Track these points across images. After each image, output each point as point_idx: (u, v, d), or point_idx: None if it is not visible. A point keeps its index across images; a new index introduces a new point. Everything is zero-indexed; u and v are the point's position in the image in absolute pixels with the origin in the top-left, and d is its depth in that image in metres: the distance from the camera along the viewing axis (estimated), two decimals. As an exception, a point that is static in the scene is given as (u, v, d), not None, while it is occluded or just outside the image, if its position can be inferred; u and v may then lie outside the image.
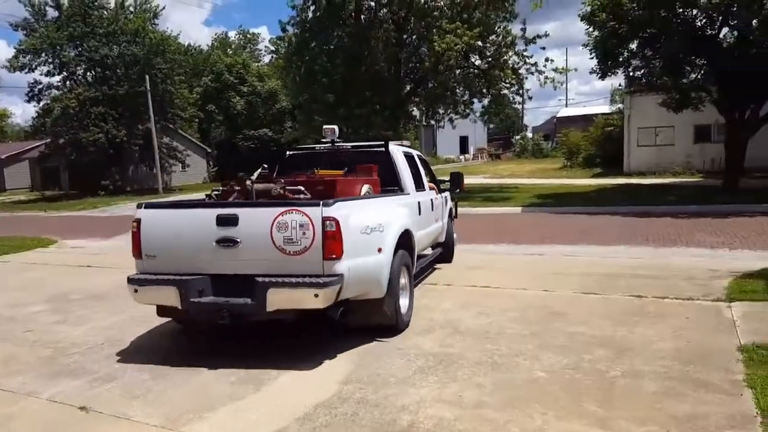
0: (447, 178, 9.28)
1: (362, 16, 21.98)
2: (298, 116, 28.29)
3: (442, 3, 21.23)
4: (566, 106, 58.88)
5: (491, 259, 9.39)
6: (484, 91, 22.89)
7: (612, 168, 28.24)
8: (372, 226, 4.93)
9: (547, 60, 21.83)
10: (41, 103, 35.87)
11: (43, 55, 33.83)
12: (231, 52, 55.27)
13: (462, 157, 58.77)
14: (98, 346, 5.46)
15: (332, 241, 4.45)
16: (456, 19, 19.76)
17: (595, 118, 35.93)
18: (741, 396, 3.76)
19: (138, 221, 5.09)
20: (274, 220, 4.51)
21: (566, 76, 34.34)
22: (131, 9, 36.17)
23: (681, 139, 25.83)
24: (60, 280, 9.15)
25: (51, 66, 34.54)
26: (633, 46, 16.21)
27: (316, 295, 4.39)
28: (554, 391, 3.95)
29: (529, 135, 58.26)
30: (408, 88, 23.67)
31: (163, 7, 38.55)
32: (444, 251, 8.48)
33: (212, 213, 4.75)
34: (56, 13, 34.57)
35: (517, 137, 55.65)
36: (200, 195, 27.39)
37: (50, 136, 35.86)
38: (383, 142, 6.93)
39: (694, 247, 9.76)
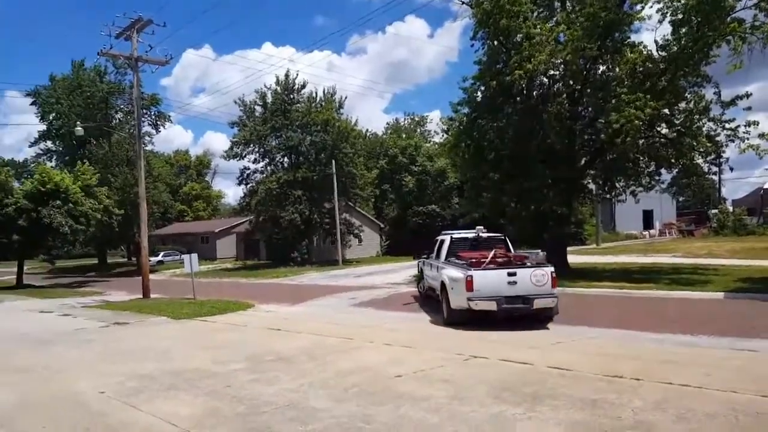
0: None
1: (534, 92, 22.00)
2: (465, 192, 28.81)
3: (621, 73, 20.28)
4: (775, 175, 51.05)
5: (690, 354, 8.22)
6: (673, 161, 20.92)
7: None
8: None
9: (749, 124, 19.10)
10: (248, 186, 41.94)
11: (251, 145, 40.01)
12: (404, 135, 59.20)
13: (646, 232, 53.73)
14: (284, 407, 5.89)
15: (554, 280, 11.32)
16: (637, 90, 18.69)
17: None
18: None
19: (471, 276, 11.23)
20: (532, 273, 11.26)
21: (775, 143, 30.00)
22: (321, 103, 41.31)
23: None
24: (255, 342, 10.22)
25: (257, 154, 40.71)
26: None
27: (553, 301, 11.24)
28: None
29: (729, 209, 51.30)
30: (583, 161, 22.68)
31: (346, 97, 43.33)
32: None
33: (505, 271, 11.42)
34: (262, 110, 40.93)
35: (714, 211, 49.32)
36: (375, 266, 29.23)
37: (254, 213, 41.50)
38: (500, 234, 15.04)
39: None
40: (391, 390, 6.37)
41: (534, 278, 11.25)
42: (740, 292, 14.83)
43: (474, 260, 12.46)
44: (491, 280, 11.18)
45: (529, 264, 12.07)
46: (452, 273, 12.08)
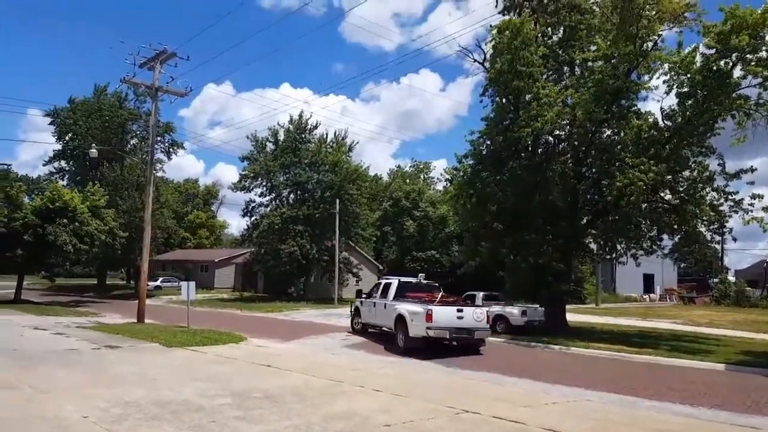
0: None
1: (539, 150, 22.38)
2: (465, 241, 28.90)
3: (626, 138, 20.65)
4: (780, 249, 50.92)
5: (687, 426, 8.08)
6: (675, 227, 21.01)
7: None
8: None
9: (754, 197, 19.26)
10: (252, 218, 42.24)
11: (259, 179, 40.57)
12: (408, 181, 59.90)
13: (647, 296, 53.30)
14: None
15: (488, 317, 15.39)
16: (641, 155, 18.99)
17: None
18: None
19: (431, 310, 14.26)
20: (474, 311, 15.06)
21: (779, 216, 30.12)
22: (331, 144, 42.11)
23: None
24: (244, 377, 10.13)
25: (264, 188, 41.21)
26: None
27: (487, 334, 15.38)
28: None
29: (731, 279, 50.97)
30: (585, 219, 22.81)
31: (357, 142, 44.19)
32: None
33: (454, 308, 14.96)
34: (273, 147, 41.71)
35: (716, 280, 49.03)
36: None
37: (255, 246, 41.62)
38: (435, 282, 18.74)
39: None
40: (376, 438, 6.29)
41: (475, 315, 15.13)
42: (742, 365, 14.64)
43: (426, 299, 15.67)
44: (445, 315, 14.64)
45: (470, 304, 17.22)
46: (411, 308, 15.11)
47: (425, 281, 18.45)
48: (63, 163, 49.83)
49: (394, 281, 17.71)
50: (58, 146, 48.83)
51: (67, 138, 47.99)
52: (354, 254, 43.88)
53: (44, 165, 50.79)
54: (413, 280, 18.42)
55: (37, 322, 18.71)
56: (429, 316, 14.28)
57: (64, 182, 46.00)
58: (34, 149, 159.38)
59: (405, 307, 15.34)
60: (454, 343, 14.95)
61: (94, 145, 41.33)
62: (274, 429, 6.55)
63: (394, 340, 15.80)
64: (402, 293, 16.86)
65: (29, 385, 8.48)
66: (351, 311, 20.42)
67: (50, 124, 48.19)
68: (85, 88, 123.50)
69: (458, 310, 14.91)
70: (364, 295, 19.40)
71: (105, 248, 33.85)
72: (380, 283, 18.82)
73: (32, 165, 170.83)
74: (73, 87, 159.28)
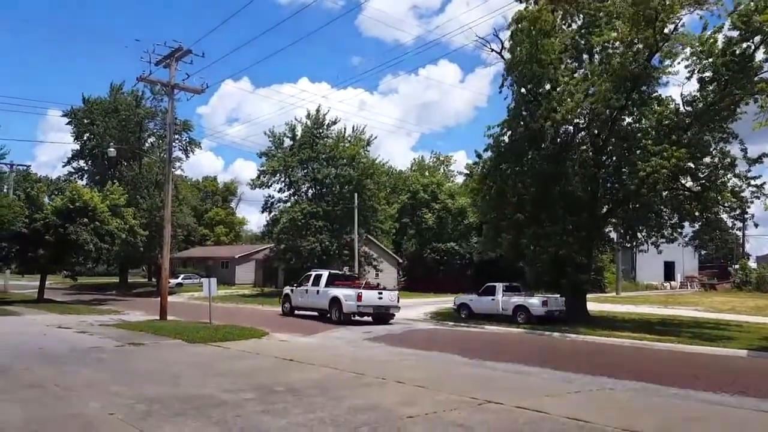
0: None
1: (558, 139, 22.11)
2: (484, 232, 28.77)
3: (647, 125, 20.29)
4: (802, 234, 49.80)
5: (713, 413, 7.94)
6: (696, 214, 20.70)
7: None
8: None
9: (776, 182, 18.89)
10: (271, 214, 42.46)
11: (278, 175, 40.72)
12: (427, 173, 59.66)
13: (667, 284, 52.60)
14: (293, 441, 5.83)
15: (398, 297, 21.85)
16: (663, 141, 18.66)
17: None
18: None
19: (361, 293, 20.55)
20: (389, 294, 21.72)
21: (802, 201, 29.48)
22: (349, 139, 42.04)
23: None
24: (268, 371, 10.20)
25: (283, 184, 41.38)
26: None
27: (397, 310, 21.48)
28: None
29: (753, 265, 50.05)
30: (605, 208, 22.53)
31: (375, 137, 44.14)
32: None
33: (376, 291, 21.42)
34: (291, 142, 41.79)
35: (737, 266, 48.17)
36: None
37: (275, 242, 41.86)
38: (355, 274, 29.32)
39: None
40: (402, 431, 6.27)
41: (390, 297, 21.41)
42: (765, 350, 14.48)
43: (353, 285, 22.02)
44: (369, 296, 20.71)
45: (386, 288, 24.54)
46: (345, 292, 20.82)
47: (348, 273, 26.58)
48: (82, 162, 50.53)
49: (325, 273, 22.88)
50: (77, 146, 49.55)
51: (84, 138, 48.62)
52: (373, 248, 43.94)
53: (63, 165, 51.55)
54: (339, 272, 25.24)
55: (61, 321, 19.03)
56: (359, 297, 20.30)
57: (84, 182, 46.66)
58: (54, 150, 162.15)
59: (339, 291, 20.94)
60: (371, 318, 21.00)
61: (112, 144, 41.81)
62: (299, 422, 6.57)
63: (325, 317, 21.18)
64: (332, 281, 22.05)
65: (55, 384, 8.61)
66: (281, 299, 24.86)
67: (68, 124, 48.90)
68: (103, 87, 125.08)
69: (379, 293, 21.30)
70: (294, 285, 24.09)
71: (126, 246, 34.29)
72: (310, 274, 23.32)
73: (52, 165, 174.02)
74: (90, 87, 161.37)
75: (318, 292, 21.87)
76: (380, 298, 20.87)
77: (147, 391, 8.07)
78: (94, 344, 13.44)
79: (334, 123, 42.37)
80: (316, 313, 22.05)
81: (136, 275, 62.52)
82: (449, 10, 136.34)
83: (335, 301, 20.70)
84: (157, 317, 19.80)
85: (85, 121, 47.72)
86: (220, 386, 8.56)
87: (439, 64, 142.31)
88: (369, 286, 22.40)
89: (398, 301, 21.44)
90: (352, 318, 20.33)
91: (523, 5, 21.37)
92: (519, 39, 20.67)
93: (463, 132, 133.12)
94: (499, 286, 22.55)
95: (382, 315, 20.91)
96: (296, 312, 23.16)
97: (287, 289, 24.40)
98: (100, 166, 48.86)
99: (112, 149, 39.93)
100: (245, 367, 10.62)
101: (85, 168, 50.69)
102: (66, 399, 7.71)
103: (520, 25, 20.59)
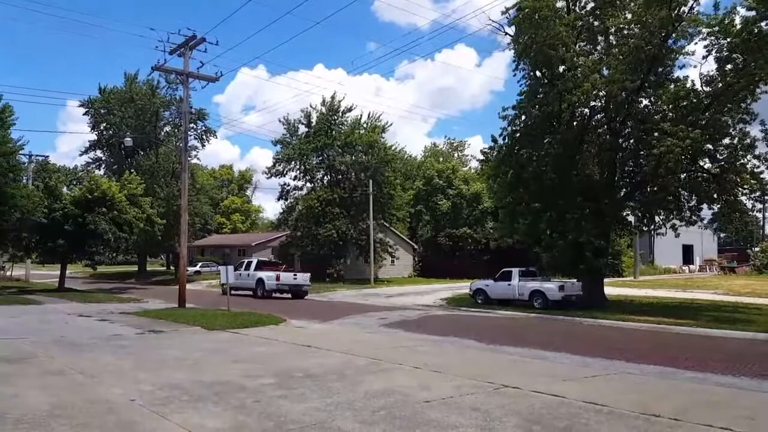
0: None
1: (574, 123, 21.81)
2: (500, 218, 28.66)
3: (665, 107, 19.93)
4: (823, 215, 48.85)
5: (732, 396, 7.88)
6: (715, 196, 20.38)
7: None
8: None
9: (795, 163, 18.55)
10: (287, 202, 42.64)
11: (293, 163, 40.78)
12: (442, 159, 59.35)
13: (686, 267, 52.05)
14: (311, 426, 5.91)
15: (310, 279, 28.39)
16: (680, 122, 18.34)
17: None
18: None
19: (279, 275, 27.21)
20: (302, 276, 28.03)
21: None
22: (364, 125, 41.83)
23: None
24: (286, 357, 10.32)
25: (298, 172, 41.43)
26: None
27: (308, 288, 28.00)
28: None
29: (771, 247, 49.27)
30: (623, 192, 22.27)
31: (391, 123, 43.98)
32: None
33: (291, 273, 28.30)
34: (306, 130, 41.72)
35: (757, 249, 47.45)
36: (407, 287, 33.68)
37: (291, 229, 42.07)
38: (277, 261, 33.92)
39: None
40: (419, 415, 6.33)
41: (303, 278, 27.40)
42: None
43: (276, 269, 27.99)
44: (286, 277, 26.91)
45: (301, 271, 29.81)
46: (268, 274, 26.52)
47: (274, 260, 32.58)
48: (99, 152, 51.15)
49: (255, 260, 29.28)
50: (93, 136, 50.13)
51: (101, 128, 49.12)
52: (389, 235, 43.95)
53: (81, 155, 52.19)
54: (266, 259, 32.14)
55: (82, 310, 19.39)
56: (278, 278, 26.39)
57: (101, 172, 47.26)
58: (73, 140, 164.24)
59: (264, 273, 26.80)
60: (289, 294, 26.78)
61: (128, 134, 42.14)
62: (317, 407, 6.65)
63: (254, 293, 26.74)
64: (260, 267, 28.13)
65: (77, 371, 8.79)
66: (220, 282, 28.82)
67: (84, 114, 49.43)
68: (118, 77, 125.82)
69: (294, 275, 27.50)
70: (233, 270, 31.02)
71: (144, 235, 34.72)
72: (243, 262, 29.62)
73: (71, 156, 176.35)
74: (107, 76, 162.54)
75: (249, 275, 27.51)
76: (295, 278, 27.05)
77: (168, 378, 8.22)
78: (115, 332, 13.70)
79: (350, 110, 42.15)
80: (250, 292, 27.02)
81: (154, 264, 63.45)
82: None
83: (260, 281, 26.66)
84: (176, 305, 20.11)
85: (102, 111, 48.19)
86: (239, 372, 8.68)
87: (455, 48, 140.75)
88: (287, 270, 28.87)
89: (309, 281, 27.79)
90: (273, 294, 25.94)
91: None
92: (527, 21, 20.36)
93: (480, 117, 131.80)
94: (516, 271, 22.47)
95: (298, 292, 26.78)
96: (232, 292, 25.90)
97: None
98: (117, 155, 49.40)
99: (128, 139, 40.32)
100: (264, 353, 10.75)
101: (103, 158, 51.34)
102: (88, 385, 7.88)
103: (524, 11, 20.25)
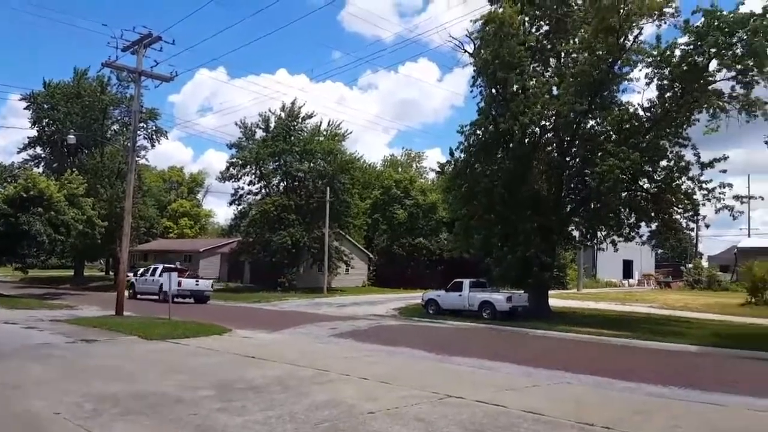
0: None
1: (526, 140, 22.47)
2: (455, 231, 29.06)
3: (609, 128, 20.90)
4: (749, 236, 52.04)
5: (661, 405, 8.17)
6: (653, 214, 21.45)
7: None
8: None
9: (724, 186, 19.85)
10: (240, 207, 41.62)
11: (249, 167, 39.91)
12: (401, 170, 59.65)
13: (626, 281, 54.26)
14: (250, 439, 5.71)
15: (212, 286, 30.51)
16: (622, 144, 19.30)
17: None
18: None
19: (180, 281, 25.77)
20: (204, 282, 29.82)
21: (749, 205, 30.97)
22: (324, 133, 41.50)
23: None
24: (228, 368, 9.99)
25: (253, 176, 40.54)
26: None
27: (210, 294, 29.54)
28: None
29: (705, 264, 52.13)
30: (569, 208, 23.08)
31: (351, 132, 43.90)
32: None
33: (194, 279, 29.54)
34: (264, 134, 40.97)
35: (690, 266, 50.10)
36: (360, 297, 33.01)
37: (242, 235, 41.05)
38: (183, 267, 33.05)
39: None
40: (362, 426, 6.26)
41: (204, 284, 29.12)
42: (712, 346, 15.15)
43: (180, 275, 26.53)
44: (188, 282, 27.88)
45: (204, 277, 32.16)
46: (171, 279, 24.06)
47: (179, 267, 31.97)
48: (39, 149, 48.58)
49: (160, 266, 30.00)
50: (34, 132, 47.60)
51: (44, 123, 46.72)
52: (345, 243, 43.51)
53: (19, 152, 49.32)
54: (172, 265, 31.40)
55: (8, 316, 18.12)
56: (180, 283, 25.22)
57: (40, 170, 44.88)
58: (12, 135, 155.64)
59: (169, 279, 25.23)
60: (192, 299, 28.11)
61: (72, 131, 40.21)
62: (257, 419, 6.45)
63: (158, 297, 27.20)
64: (165, 272, 27.01)
65: None
66: (129, 284, 28.57)
67: (26, 108, 46.89)
68: (67, 72, 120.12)
69: (196, 281, 28.88)
70: (138, 275, 31.08)
71: (83, 238, 33.09)
72: (149, 268, 31.13)
73: (9, 152, 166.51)
74: (54, 72, 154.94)
75: (153, 280, 28.72)
76: (197, 284, 28.46)
77: (98, 389, 7.80)
78: (43, 340, 12.93)
79: (310, 117, 41.75)
80: (155, 296, 27.85)
81: (93, 268, 60.59)
82: (431, 9, 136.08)
83: (162, 286, 26.76)
84: (113, 312, 19.20)
85: (45, 106, 45.85)
86: (177, 384, 8.34)
87: (418, 62, 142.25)
88: (190, 276, 29.80)
89: (211, 287, 29.53)
90: (174, 299, 24.47)
91: (494, 6, 21.62)
92: (486, 41, 20.95)
93: (441, 130, 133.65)
94: (466, 282, 22.76)
95: (199, 296, 28.31)
96: (138, 296, 29.06)
97: (133, 279, 30.37)
98: (59, 153, 47.09)
99: (72, 136, 38.42)
100: (204, 364, 10.39)
101: (43, 155, 48.76)
102: (10, 397, 7.37)
103: (488, 28, 20.85)
